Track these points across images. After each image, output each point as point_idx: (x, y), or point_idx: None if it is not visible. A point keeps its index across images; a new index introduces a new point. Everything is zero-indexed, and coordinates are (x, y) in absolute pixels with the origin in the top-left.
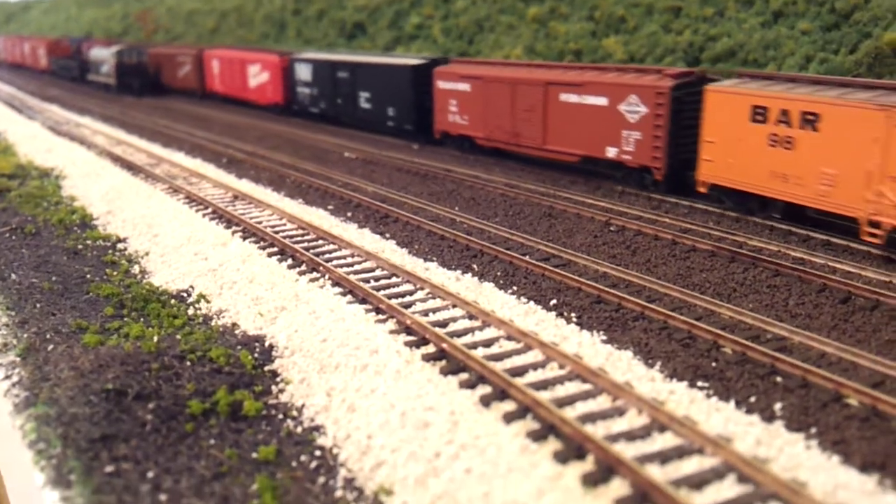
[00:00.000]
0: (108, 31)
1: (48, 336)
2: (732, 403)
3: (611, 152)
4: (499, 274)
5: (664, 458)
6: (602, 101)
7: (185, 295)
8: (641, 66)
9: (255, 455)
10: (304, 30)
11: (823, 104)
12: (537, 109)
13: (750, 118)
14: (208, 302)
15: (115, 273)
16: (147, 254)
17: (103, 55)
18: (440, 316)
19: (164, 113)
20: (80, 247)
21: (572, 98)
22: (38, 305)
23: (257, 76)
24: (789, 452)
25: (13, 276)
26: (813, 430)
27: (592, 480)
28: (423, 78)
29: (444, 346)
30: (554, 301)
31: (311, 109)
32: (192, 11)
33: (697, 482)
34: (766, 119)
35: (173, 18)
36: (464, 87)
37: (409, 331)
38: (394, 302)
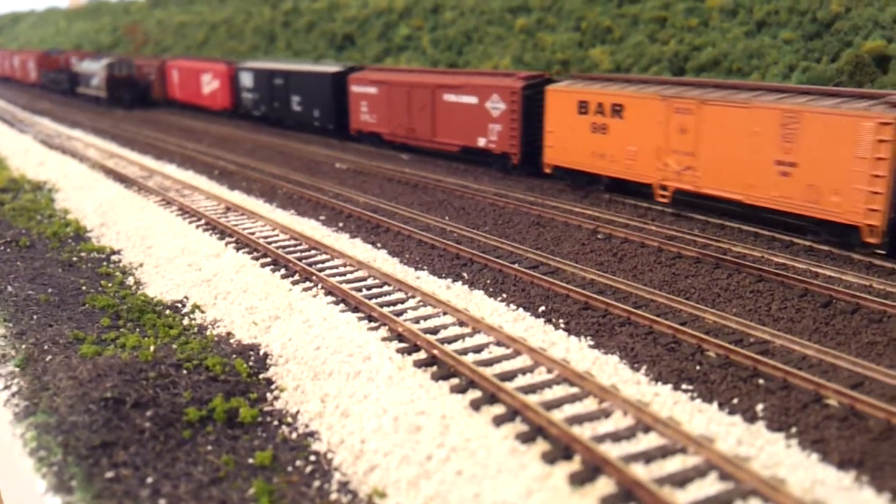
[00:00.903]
0: (97, 43)
1: (46, 347)
2: (715, 405)
3: (481, 142)
4: (488, 282)
5: (648, 457)
6: (474, 99)
7: (179, 305)
8: (505, 71)
9: (251, 460)
10: (293, 41)
11: (626, 97)
12: (427, 108)
13: (577, 111)
14: (203, 312)
15: (110, 285)
16: (141, 265)
17: (93, 68)
18: (431, 323)
19: (155, 126)
20: (74, 259)
21: (452, 98)
22: (35, 317)
23: (209, 84)
24: (769, 451)
25: (9, 288)
26: (793, 430)
27: (579, 480)
28: (341, 84)
29: (436, 352)
30: (542, 308)
31: (254, 112)
32: (182, 24)
33: (680, 480)
34: (588, 111)
35: (163, 31)
36: (372, 90)
37: (400, 338)
38: (386, 310)
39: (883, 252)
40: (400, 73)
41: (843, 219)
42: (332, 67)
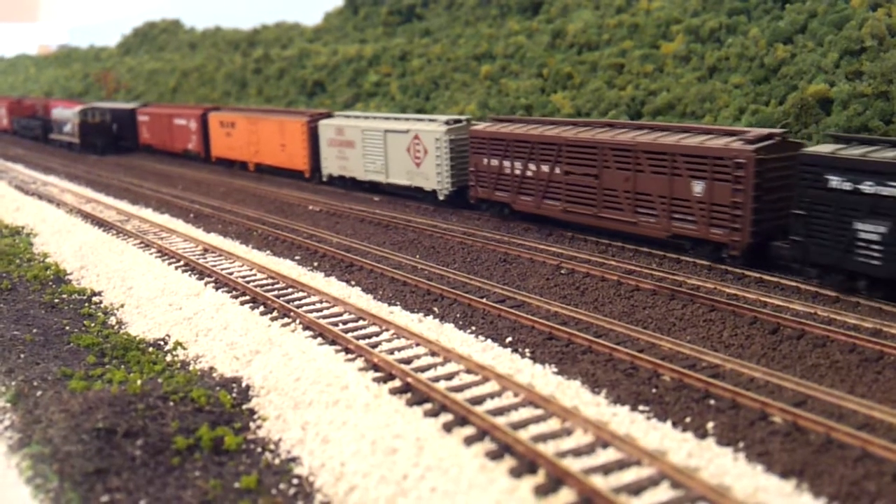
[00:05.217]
0: (68, 90)
1: (35, 383)
2: (669, 423)
3: (189, 146)
4: (458, 315)
5: (607, 469)
6: (185, 122)
7: (162, 343)
8: (198, 105)
9: (237, 484)
10: (265, 88)
11: (236, 118)
12: (168, 128)
13: (221, 126)
14: (185, 349)
15: (93, 324)
16: (122, 306)
17: (66, 115)
18: (405, 354)
19: (129, 171)
20: (56, 301)
21: (178, 121)
22: (22, 356)
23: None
24: (718, 463)
25: None
26: (740, 444)
27: (544, 491)
28: (134, 116)
29: (410, 380)
30: (509, 338)
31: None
32: (154, 71)
33: (635, 489)
34: (224, 125)
35: (135, 77)
36: (147, 119)
37: (376, 368)
38: (361, 342)
39: (314, 181)
40: (158, 107)
41: (297, 168)
42: (130, 105)
